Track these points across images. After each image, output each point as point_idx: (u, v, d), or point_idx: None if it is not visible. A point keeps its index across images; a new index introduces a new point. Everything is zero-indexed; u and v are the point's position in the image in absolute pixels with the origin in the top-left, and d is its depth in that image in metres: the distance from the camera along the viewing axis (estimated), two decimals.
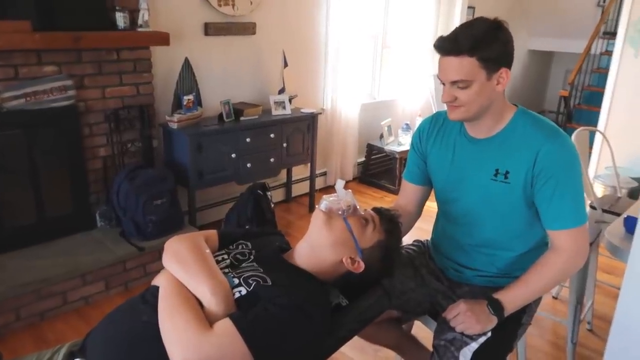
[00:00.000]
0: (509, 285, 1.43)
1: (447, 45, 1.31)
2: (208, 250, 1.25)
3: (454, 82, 1.33)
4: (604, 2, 6.07)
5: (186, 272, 1.17)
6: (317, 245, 1.28)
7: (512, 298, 1.40)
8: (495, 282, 1.51)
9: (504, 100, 1.42)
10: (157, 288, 1.17)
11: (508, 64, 1.34)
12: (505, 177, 1.40)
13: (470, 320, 1.37)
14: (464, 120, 1.44)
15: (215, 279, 1.15)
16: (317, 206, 1.32)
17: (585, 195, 1.47)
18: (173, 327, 1.06)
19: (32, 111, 2.48)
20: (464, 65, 1.29)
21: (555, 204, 1.36)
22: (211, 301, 1.11)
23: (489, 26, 1.30)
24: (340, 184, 1.35)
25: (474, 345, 1.40)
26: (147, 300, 1.18)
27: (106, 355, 1.11)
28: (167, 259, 1.23)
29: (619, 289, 2.79)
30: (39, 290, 2.38)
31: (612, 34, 5.58)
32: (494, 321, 1.38)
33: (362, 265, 1.28)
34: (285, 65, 3.51)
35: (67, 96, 2.58)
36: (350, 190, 1.35)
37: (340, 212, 1.29)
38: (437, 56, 1.38)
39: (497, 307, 1.38)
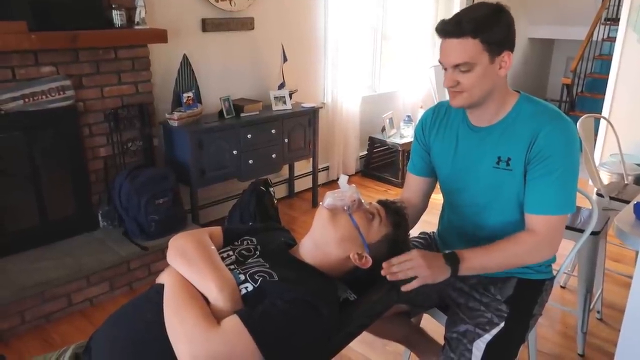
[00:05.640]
0: (471, 247, 1.37)
1: (449, 28, 1.28)
2: (213, 247, 1.24)
3: (456, 66, 1.30)
4: None
5: (191, 268, 1.16)
6: (322, 243, 1.26)
7: (469, 256, 1.33)
8: (503, 272, 1.49)
9: (506, 87, 1.39)
10: (161, 286, 1.15)
11: (510, 48, 1.32)
12: (507, 164, 1.38)
13: (421, 265, 1.26)
14: (466, 107, 1.41)
15: (221, 275, 1.13)
16: (320, 203, 1.30)
17: (591, 182, 1.44)
18: (180, 324, 1.04)
19: (31, 113, 2.46)
20: (467, 47, 1.27)
21: (541, 187, 1.33)
22: (218, 298, 1.09)
23: (492, 9, 1.29)
24: (343, 179, 1.32)
25: (487, 337, 1.38)
26: (151, 299, 1.15)
27: (112, 356, 1.10)
28: (171, 256, 1.21)
29: (628, 277, 2.77)
30: (43, 293, 2.37)
31: (614, 20, 5.53)
32: (447, 272, 1.31)
33: (370, 261, 1.25)
34: (285, 59, 3.48)
35: (65, 97, 2.56)
36: (354, 185, 1.32)
37: (345, 208, 1.26)
38: (437, 47, 1.35)
39: (452, 259, 1.32)
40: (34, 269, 2.44)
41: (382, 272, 1.26)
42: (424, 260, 1.27)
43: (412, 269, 1.26)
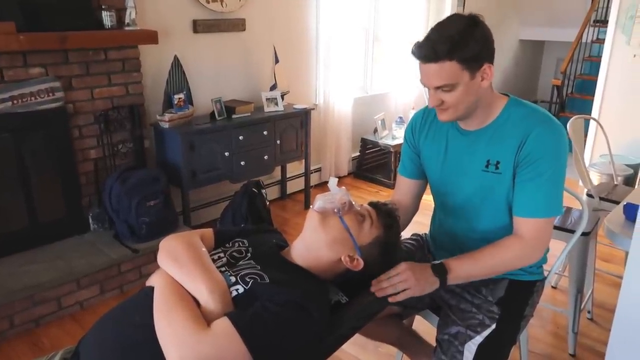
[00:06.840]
0: (459, 255, 1.38)
1: (424, 53, 1.27)
2: (204, 249, 1.23)
3: (438, 87, 1.30)
4: None
5: (182, 270, 1.15)
6: (313, 246, 1.25)
7: (457, 265, 1.34)
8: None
9: (491, 93, 1.39)
10: (151, 289, 1.14)
11: (490, 59, 1.30)
12: (497, 167, 1.38)
13: (410, 278, 1.27)
14: (454, 120, 1.42)
15: (212, 277, 1.12)
16: (311, 207, 1.30)
17: (581, 183, 1.45)
18: (169, 326, 1.03)
19: (20, 114, 2.43)
20: (445, 69, 1.26)
21: (530, 189, 1.34)
22: (208, 300, 1.08)
23: (464, 24, 1.26)
24: (333, 182, 1.32)
25: (479, 339, 1.38)
26: (140, 301, 1.15)
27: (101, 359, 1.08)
28: (162, 258, 1.21)
29: (618, 277, 2.78)
30: (32, 296, 2.34)
31: (602, 22, 5.59)
32: (435, 283, 1.31)
33: (362, 263, 1.25)
34: (277, 61, 3.47)
35: (55, 98, 2.53)
36: (344, 187, 1.32)
37: (335, 211, 1.26)
38: None
39: (440, 270, 1.32)
40: (24, 272, 2.42)
41: (372, 289, 1.27)
42: (413, 272, 1.28)
43: (401, 283, 1.27)
